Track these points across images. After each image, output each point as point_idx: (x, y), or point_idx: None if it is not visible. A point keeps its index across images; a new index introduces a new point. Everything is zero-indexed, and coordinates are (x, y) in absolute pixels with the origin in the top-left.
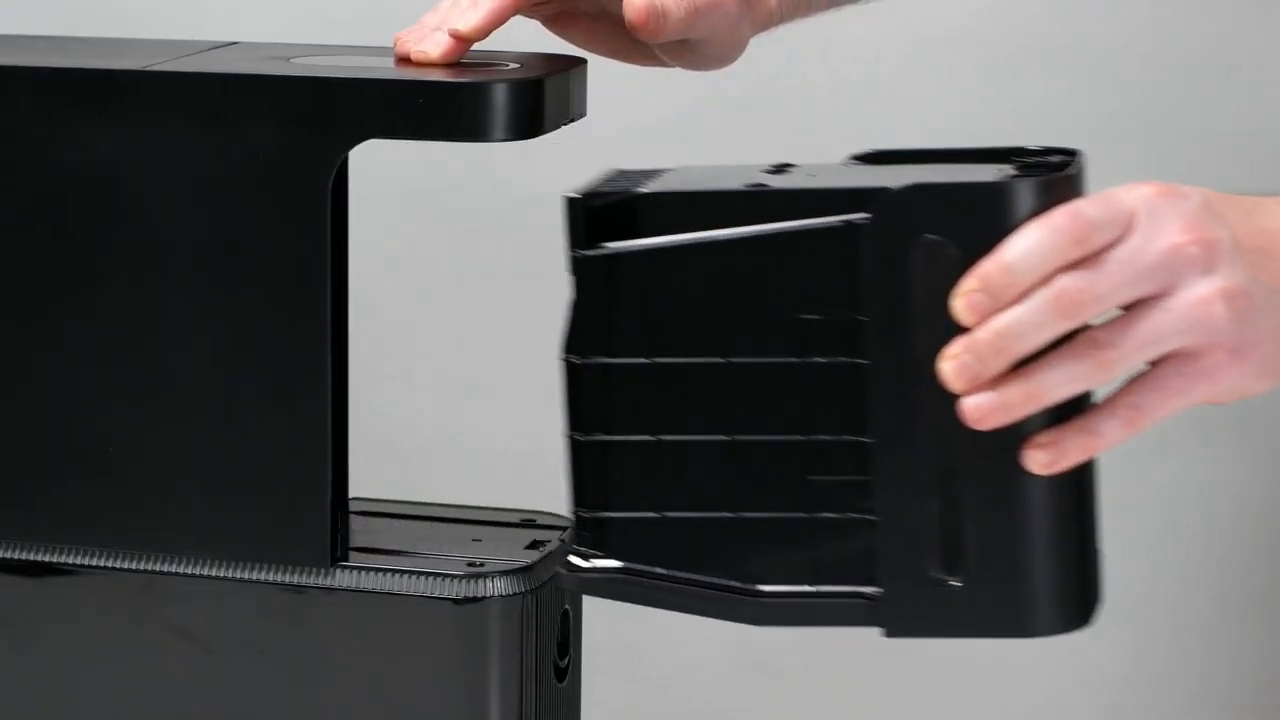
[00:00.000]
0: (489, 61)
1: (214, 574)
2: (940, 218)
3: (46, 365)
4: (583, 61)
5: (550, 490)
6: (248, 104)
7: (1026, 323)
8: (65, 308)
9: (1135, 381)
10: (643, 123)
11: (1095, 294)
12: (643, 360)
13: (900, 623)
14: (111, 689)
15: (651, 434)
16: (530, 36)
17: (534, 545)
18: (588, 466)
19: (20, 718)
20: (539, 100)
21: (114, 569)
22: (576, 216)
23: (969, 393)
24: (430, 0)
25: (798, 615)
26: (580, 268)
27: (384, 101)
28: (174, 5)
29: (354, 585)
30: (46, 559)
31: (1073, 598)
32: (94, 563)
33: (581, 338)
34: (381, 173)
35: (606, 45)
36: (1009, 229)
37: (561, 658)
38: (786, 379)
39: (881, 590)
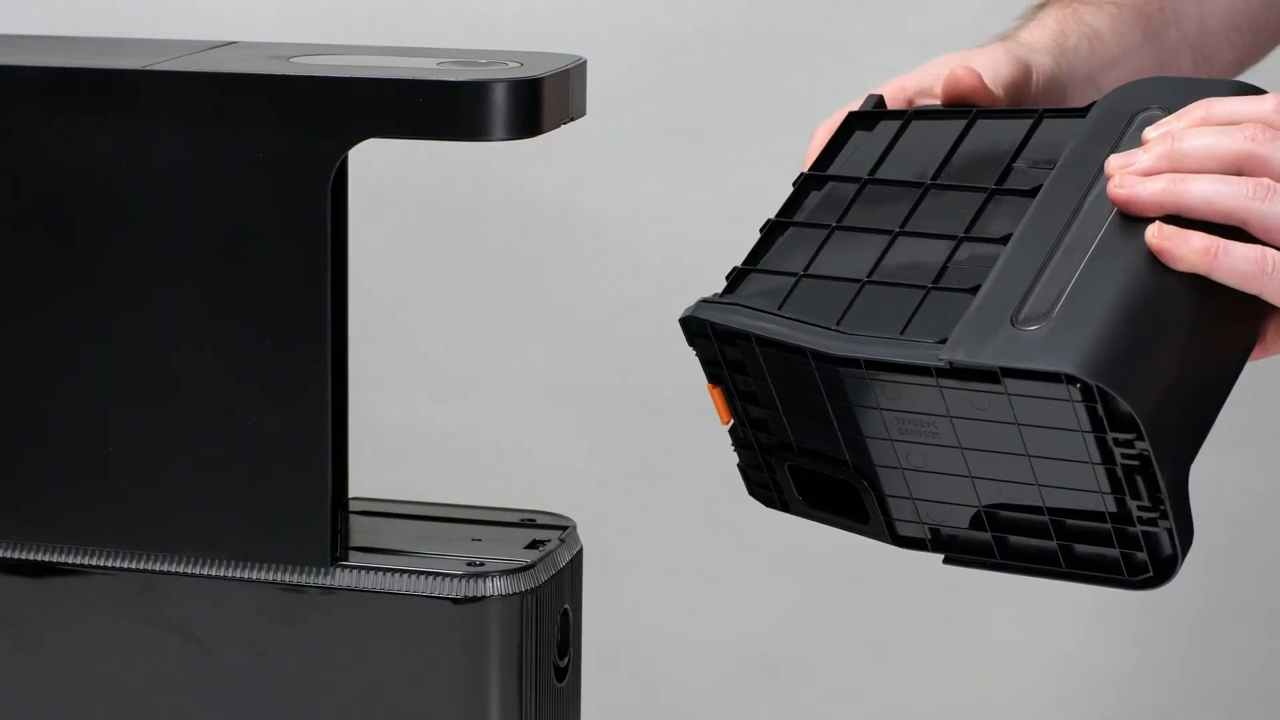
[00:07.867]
0: (489, 61)
1: (214, 574)
2: (1169, 102)
3: (47, 365)
4: (583, 61)
5: (550, 490)
6: (247, 104)
7: (1204, 138)
8: (65, 307)
9: None
10: (643, 123)
11: None
12: (862, 176)
13: (959, 347)
14: (111, 689)
15: (836, 224)
16: (531, 37)
17: (534, 545)
18: (770, 239)
19: (20, 718)
20: (538, 99)
21: (114, 569)
22: (867, 106)
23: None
24: (427, 0)
25: (869, 348)
26: (858, 115)
27: (384, 101)
28: (174, 5)
29: (354, 585)
30: (46, 559)
31: (1146, 388)
32: (94, 563)
33: (825, 158)
34: (381, 173)
35: None
36: None
37: (561, 658)
38: (972, 203)
39: (951, 334)
